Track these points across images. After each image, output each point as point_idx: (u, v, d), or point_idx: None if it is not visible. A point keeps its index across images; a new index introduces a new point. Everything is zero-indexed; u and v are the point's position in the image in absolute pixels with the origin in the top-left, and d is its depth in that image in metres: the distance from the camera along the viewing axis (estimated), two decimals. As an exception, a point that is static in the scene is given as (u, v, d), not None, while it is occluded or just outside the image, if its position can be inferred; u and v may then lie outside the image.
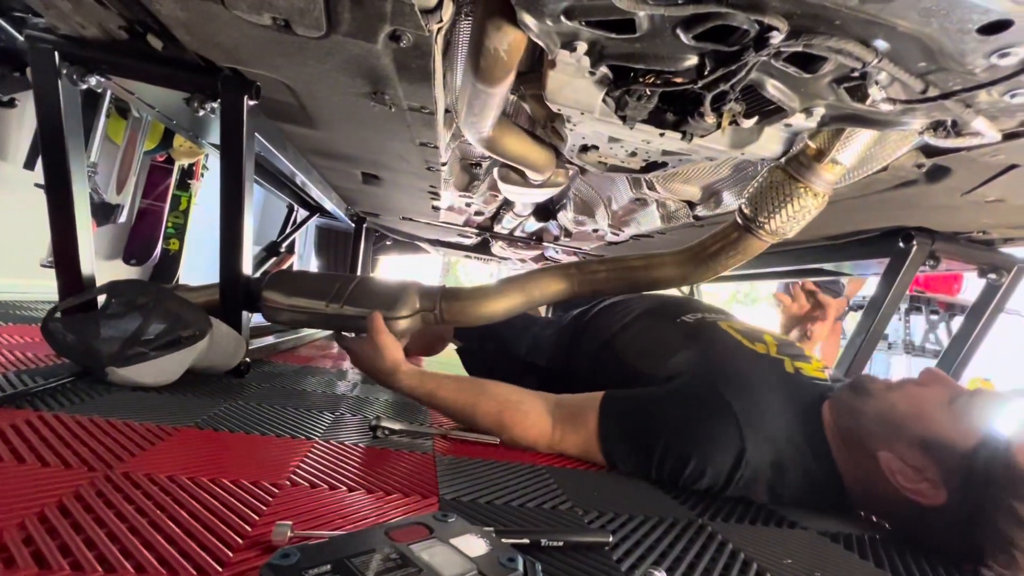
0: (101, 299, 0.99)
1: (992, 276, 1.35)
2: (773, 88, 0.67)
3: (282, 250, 2.49)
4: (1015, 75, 0.54)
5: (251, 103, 1.00)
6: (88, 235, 1.02)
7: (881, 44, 0.53)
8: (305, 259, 3.44)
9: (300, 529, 0.47)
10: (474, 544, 0.42)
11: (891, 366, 4.42)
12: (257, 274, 1.52)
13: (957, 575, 0.66)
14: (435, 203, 1.94)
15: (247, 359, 1.11)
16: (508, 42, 0.69)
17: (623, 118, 0.75)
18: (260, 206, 3.51)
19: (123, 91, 1.12)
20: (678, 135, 0.80)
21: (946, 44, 0.51)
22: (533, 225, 2.40)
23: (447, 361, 1.64)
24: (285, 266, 2.50)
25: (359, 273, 2.72)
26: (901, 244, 1.28)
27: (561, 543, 0.53)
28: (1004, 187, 0.94)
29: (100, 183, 2.21)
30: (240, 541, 0.45)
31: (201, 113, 1.02)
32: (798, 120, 0.72)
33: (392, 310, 1.01)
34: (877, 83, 0.60)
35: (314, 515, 0.53)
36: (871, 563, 0.65)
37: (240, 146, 1.01)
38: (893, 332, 4.01)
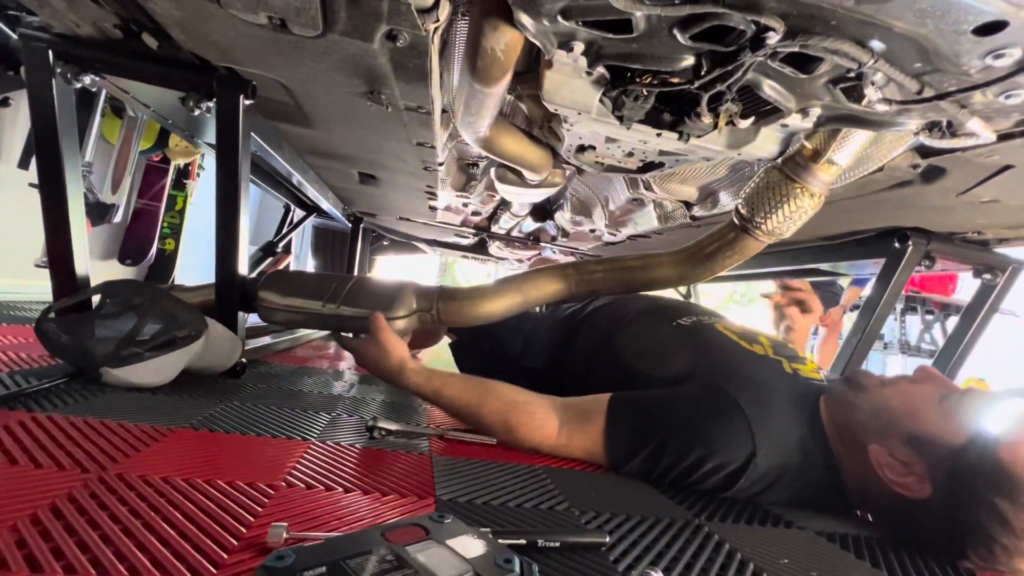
0: (96, 300, 0.98)
1: (987, 276, 1.36)
2: (769, 88, 0.67)
3: (278, 250, 2.48)
4: (1010, 76, 0.54)
5: (247, 102, 0.99)
6: (82, 235, 1.01)
7: (877, 45, 0.54)
8: (302, 259, 3.43)
9: (296, 531, 0.47)
10: (471, 545, 0.42)
11: (887, 366, 4.44)
12: (253, 274, 1.52)
13: (953, 575, 0.66)
14: (432, 203, 1.93)
15: (243, 359, 1.10)
16: (505, 42, 0.69)
17: (620, 118, 0.75)
18: (257, 206, 3.51)
19: (118, 90, 1.11)
20: (675, 135, 0.80)
21: (941, 45, 0.51)
22: (530, 225, 2.40)
23: (449, 361, 1.64)
24: (281, 266, 2.50)
25: (356, 273, 2.72)
26: (897, 244, 1.28)
27: (558, 544, 0.53)
28: (999, 188, 0.94)
29: (95, 183, 2.20)
30: (235, 543, 0.45)
31: (197, 112, 1.02)
32: (794, 120, 0.72)
33: (389, 310, 1.01)
34: (873, 84, 0.60)
35: (310, 516, 0.52)
36: (867, 563, 0.65)
37: (236, 146, 1.01)
38: (889, 332, 4.03)
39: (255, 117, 1.12)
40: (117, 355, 0.86)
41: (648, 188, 1.41)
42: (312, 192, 1.86)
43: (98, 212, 2.27)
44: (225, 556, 0.43)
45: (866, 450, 0.75)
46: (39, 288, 1.76)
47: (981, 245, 1.32)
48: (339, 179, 1.83)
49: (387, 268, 3.69)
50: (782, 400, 0.83)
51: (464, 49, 0.80)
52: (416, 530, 0.43)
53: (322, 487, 0.60)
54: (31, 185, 1.03)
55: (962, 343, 1.43)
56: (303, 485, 0.60)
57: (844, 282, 2.93)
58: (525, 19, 0.60)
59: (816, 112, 0.70)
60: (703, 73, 0.62)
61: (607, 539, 0.56)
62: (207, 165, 2.88)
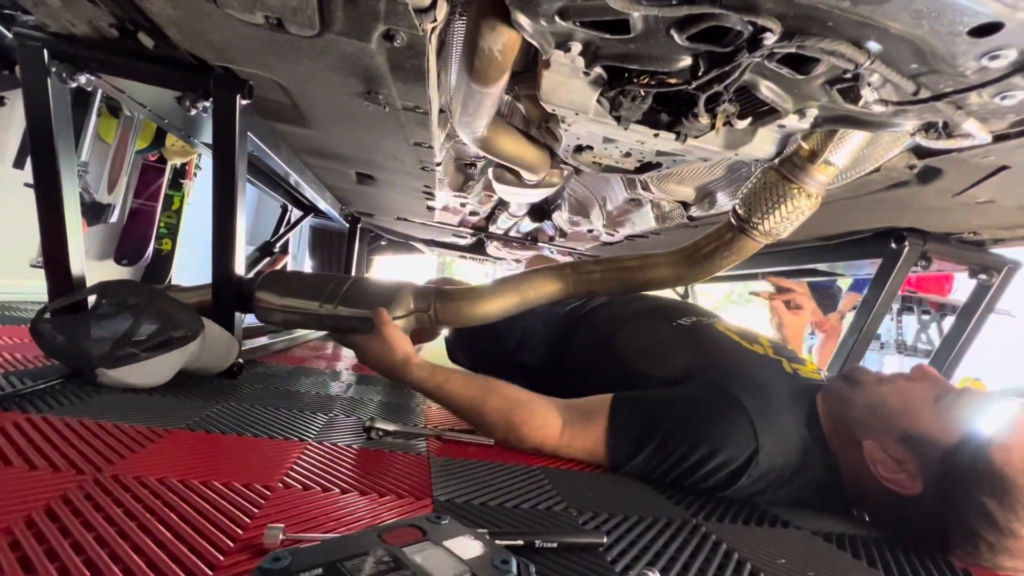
0: (92, 300, 0.98)
1: (982, 276, 1.36)
2: (767, 89, 0.67)
3: (276, 250, 2.47)
4: (1005, 77, 0.54)
5: (244, 102, 0.99)
6: (78, 235, 1.01)
7: (873, 46, 0.54)
8: (299, 259, 3.43)
9: (292, 532, 0.47)
10: (468, 546, 0.42)
11: (884, 366, 4.46)
12: (250, 274, 1.51)
13: (949, 574, 0.66)
14: (430, 203, 1.93)
15: (240, 360, 1.10)
16: (502, 42, 0.69)
17: (617, 119, 0.75)
18: (254, 206, 3.50)
19: (114, 90, 1.11)
20: (672, 136, 0.80)
21: (937, 46, 0.52)
22: (528, 225, 2.40)
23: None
24: (279, 266, 2.49)
25: (353, 273, 2.71)
26: (893, 244, 1.29)
27: (555, 544, 0.53)
28: (994, 188, 0.95)
29: (91, 182, 2.19)
30: (231, 544, 0.45)
31: (193, 112, 1.01)
32: (791, 121, 0.72)
33: (387, 311, 1.01)
34: (869, 85, 0.60)
35: (307, 518, 0.52)
36: (864, 563, 0.65)
37: (233, 146, 1.01)
38: (885, 332, 4.04)
39: (252, 117, 1.12)
40: (113, 356, 0.85)
41: (646, 188, 1.41)
42: (309, 192, 1.86)
43: (94, 212, 2.26)
44: (221, 558, 0.42)
45: (860, 446, 0.76)
46: (35, 288, 1.75)
47: (977, 245, 1.32)
48: (336, 179, 1.82)
49: (385, 268, 3.69)
50: (782, 398, 0.84)
51: (461, 49, 0.80)
52: (413, 531, 0.43)
53: (319, 488, 0.60)
54: (27, 185, 1.03)
55: (958, 343, 1.43)
56: (300, 486, 0.59)
57: (844, 284, 2.94)
58: (522, 19, 0.60)
59: (813, 113, 0.71)
60: (700, 74, 0.62)
61: (604, 539, 0.56)
62: (204, 165, 2.87)
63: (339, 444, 0.77)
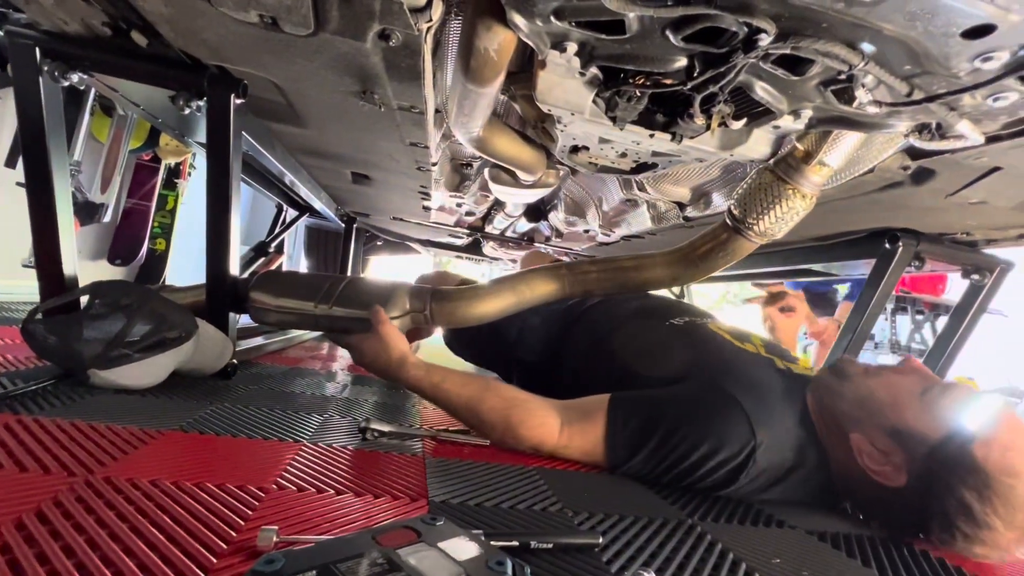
0: (84, 300, 0.97)
1: (975, 277, 1.37)
2: (762, 90, 0.67)
3: (271, 250, 2.46)
4: (998, 79, 0.54)
5: (238, 101, 0.98)
6: (70, 235, 1.00)
7: (867, 47, 0.54)
8: (294, 259, 3.41)
9: (286, 534, 0.47)
10: (463, 547, 0.42)
11: (877, 366, 4.48)
12: (245, 274, 1.51)
13: (942, 573, 0.67)
14: (426, 203, 1.93)
15: (234, 361, 1.09)
16: (498, 42, 0.69)
17: (613, 119, 0.75)
18: (248, 205, 3.48)
19: (107, 88, 1.10)
20: (668, 136, 0.80)
21: (931, 48, 0.52)
22: (524, 226, 2.40)
23: (446, 360, 1.63)
24: (274, 266, 2.48)
25: (349, 274, 2.70)
26: (887, 245, 1.29)
27: (551, 545, 0.53)
28: (987, 189, 0.95)
29: (84, 182, 2.18)
30: (224, 547, 0.44)
31: (187, 111, 1.00)
32: (786, 122, 0.73)
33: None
34: (863, 86, 0.60)
35: (301, 519, 0.52)
36: (858, 561, 0.65)
37: (227, 145, 1.00)
38: (879, 332, 4.06)
39: (246, 116, 1.11)
40: (105, 356, 0.85)
41: (641, 189, 1.41)
42: (305, 192, 1.85)
43: (87, 211, 2.25)
44: (214, 560, 0.42)
45: (848, 437, 0.78)
46: (26, 288, 1.74)
47: (970, 246, 1.33)
48: (332, 179, 1.82)
49: (381, 268, 3.68)
50: (777, 395, 0.85)
51: (457, 49, 0.79)
52: (408, 533, 0.43)
53: (313, 489, 0.60)
54: (18, 184, 1.02)
55: (951, 343, 1.44)
56: (294, 488, 0.59)
57: (842, 290, 2.96)
58: (518, 19, 0.60)
59: (807, 114, 0.71)
60: (696, 74, 0.62)
61: (600, 540, 0.56)
62: (198, 164, 2.86)
63: (334, 445, 0.76)
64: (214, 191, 1.03)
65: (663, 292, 1.55)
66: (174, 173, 2.80)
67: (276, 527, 0.46)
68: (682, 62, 0.62)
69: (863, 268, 1.52)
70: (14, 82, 0.93)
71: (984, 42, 0.50)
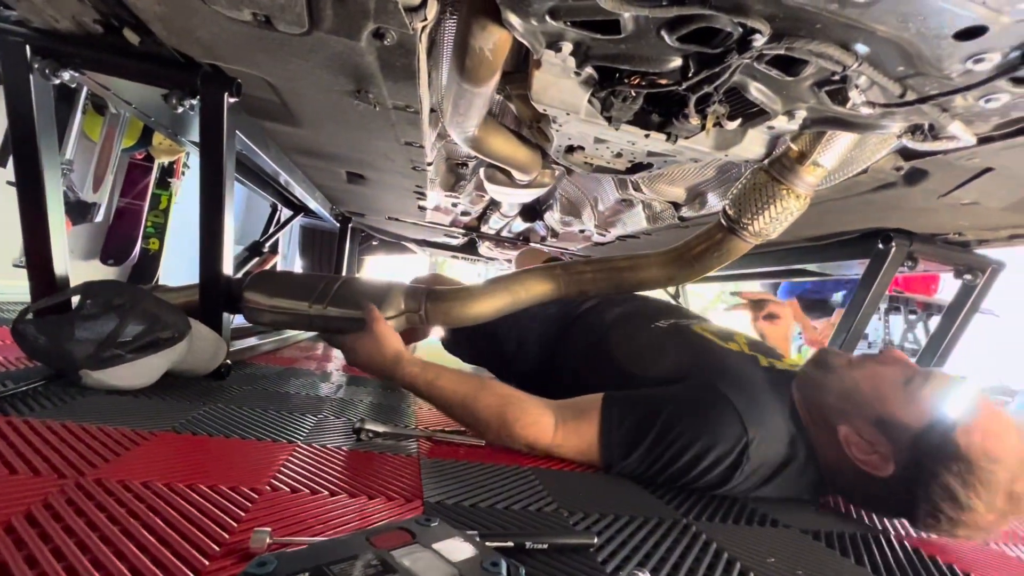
0: (76, 300, 0.96)
1: (967, 277, 1.39)
2: (756, 91, 0.67)
3: (265, 250, 2.45)
4: (989, 80, 0.55)
5: (231, 100, 0.98)
6: (61, 234, 0.99)
7: (861, 48, 0.54)
8: (289, 259, 3.40)
9: (279, 535, 0.46)
10: (457, 549, 0.42)
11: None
12: (239, 274, 1.50)
13: (935, 571, 0.67)
14: (421, 203, 1.92)
15: (228, 361, 1.09)
16: (493, 41, 0.68)
17: (608, 119, 0.75)
18: (243, 205, 3.47)
19: (98, 87, 1.09)
20: (663, 136, 0.80)
21: (924, 49, 0.52)
22: (520, 225, 2.40)
23: (445, 359, 1.63)
24: (268, 266, 2.47)
25: (344, 274, 2.70)
26: (881, 245, 1.30)
27: (546, 545, 0.53)
28: (979, 190, 0.96)
29: (76, 181, 2.16)
30: (217, 549, 0.44)
31: (180, 110, 1.00)
32: (780, 122, 0.73)
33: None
34: (857, 87, 0.61)
35: (295, 521, 0.51)
36: (851, 560, 0.66)
37: (220, 144, 0.99)
38: (873, 331, 4.08)
39: (240, 115, 1.11)
40: (97, 357, 0.84)
41: (637, 189, 1.41)
42: (299, 191, 1.84)
43: (79, 211, 2.23)
44: (206, 562, 0.42)
45: (835, 430, 0.79)
46: (17, 288, 1.72)
47: (962, 246, 1.34)
48: (327, 178, 1.81)
49: (376, 268, 3.67)
50: (765, 392, 0.86)
51: (452, 48, 0.79)
52: (402, 534, 0.43)
53: (307, 491, 0.59)
54: (9, 183, 1.01)
55: (944, 342, 1.45)
56: (288, 489, 0.59)
57: (838, 295, 2.98)
58: (513, 19, 0.60)
59: (801, 114, 0.71)
60: (691, 75, 0.62)
61: (595, 540, 0.56)
62: (192, 163, 2.84)
63: (328, 446, 0.76)
64: (207, 191, 1.02)
65: (656, 293, 1.55)
66: (168, 172, 2.78)
67: (269, 529, 0.45)
68: (677, 62, 0.62)
69: (857, 268, 1.53)
70: (4, 80, 0.92)
71: (976, 43, 0.50)
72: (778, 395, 0.86)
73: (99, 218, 2.37)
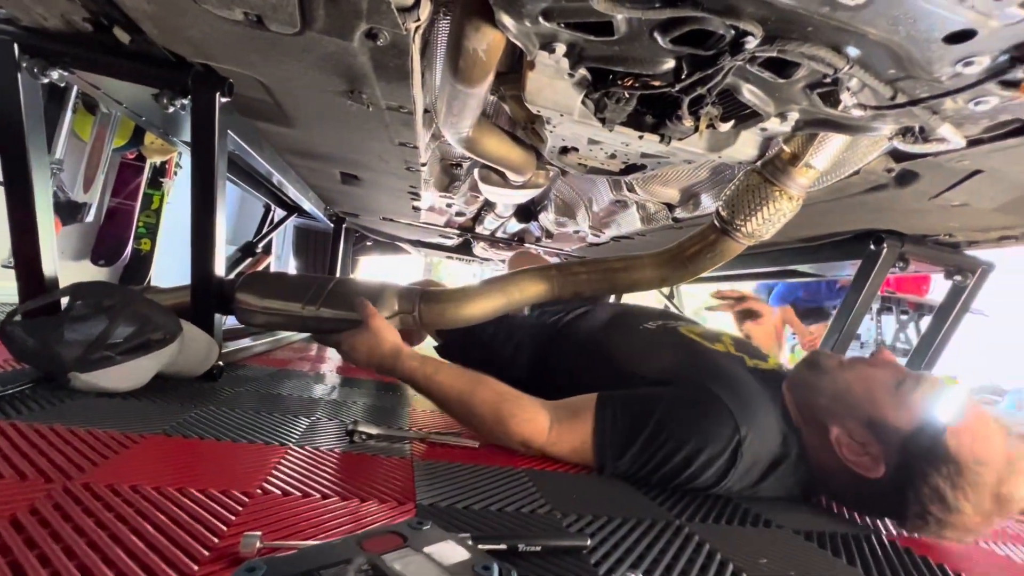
0: (65, 302, 0.95)
1: (958, 278, 1.40)
2: (749, 93, 0.67)
3: (258, 251, 2.43)
4: (979, 83, 0.55)
5: (223, 100, 0.97)
6: (50, 235, 0.98)
7: (852, 51, 0.55)
8: (283, 260, 3.38)
9: (270, 540, 0.46)
10: (449, 552, 0.41)
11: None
12: (231, 275, 1.49)
13: (926, 571, 0.68)
14: (415, 204, 1.92)
15: (220, 363, 1.08)
16: (487, 42, 0.68)
17: (602, 120, 0.75)
18: (236, 205, 3.44)
19: (88, 86, 1.08)
20: (657, 138, 0.80)
21: (914, 52, 0.53)
22: (515, 226, 2.39)
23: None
24: (261, 267, 2.45)
25: (338, 274, 2.68)
26: (872, 246, 1.31)
27: (539, 548, 0.53)
28: (968, 192, 0.97)
29: (66, 181, 2.14)
30: (206, 553, 0.44)
31: (171, 110, 0.99)
32: (773, 124, 0.73)
33: (370, 312, 1.00)
34: (849, 89, 0.61)
35: (286, 524, 0.51)
36: (843, 560, 0.66)
37: (212, 144, 0.99)
38: (865, 332, 4.12)
39: (232, 115, 1.10)
40: (86, 359, 0.83)
41: (631, 190, 1.42)
42: (293, 192, 1.83)
43: (69, 211, 2.20)
44: (195, 567, 0.41)
45: (827, 431, 0.80)
46: (5, 289, 1.70)
47: (952, 247, 1.35)
48: (320, 179, 1.80)
49: (371, 269, 3.65)
50: (755, 392, 0.86)
51: (446, 49, 0.79)
52: (393, 538, 0.43)
53: (299, 494, 0.59)
54: (-4, 183, 0.99)
55: (935, 342, 1.46)
56: (279, 492, 0.58)
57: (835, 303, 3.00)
58: (507, 20, 0.60)
59: (794, 116, 0.72)
60: (684, 76, 0.62)
61: (588, 542, 0.56)
62: (185, 163, 2.81)
63: (321, 448, 0.76)
64: (199, 191, 1.01)
65: (650, 294, 1.55)
66: (159, 172, 2.75)
67: (260, 533, 0.45)
68: (670, 64, 0.63)
69: (849, 269, 1.54)
70: (-9, 79, 0.91)
71: (965, 47, 0.50)
72: (768, 395, 0.87)
73: (90, 218, 2.35)
